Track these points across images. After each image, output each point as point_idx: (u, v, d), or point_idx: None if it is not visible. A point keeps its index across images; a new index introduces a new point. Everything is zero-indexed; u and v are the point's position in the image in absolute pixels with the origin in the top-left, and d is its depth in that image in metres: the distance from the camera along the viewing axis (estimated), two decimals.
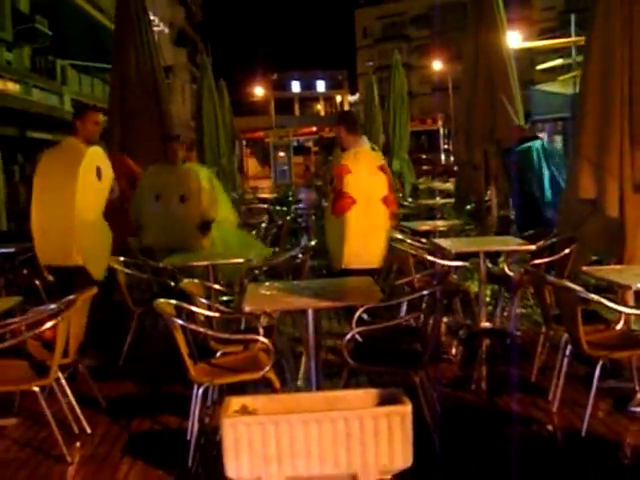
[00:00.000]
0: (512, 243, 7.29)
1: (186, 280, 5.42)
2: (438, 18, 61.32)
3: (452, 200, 11.88)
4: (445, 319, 6.68)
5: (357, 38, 76.49)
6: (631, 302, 5.43)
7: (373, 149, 7.32)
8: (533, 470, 4.28)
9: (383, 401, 3.50)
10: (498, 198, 10.04)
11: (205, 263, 6.63)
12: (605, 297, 4.63)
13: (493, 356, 6.38)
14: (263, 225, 10.46)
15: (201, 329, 4.72)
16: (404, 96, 17.82)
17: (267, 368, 4.42)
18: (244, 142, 42.21)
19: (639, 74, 5.87)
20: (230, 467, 3.28)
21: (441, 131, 40.50)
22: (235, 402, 3.51)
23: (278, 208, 14.82)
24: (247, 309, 4.45)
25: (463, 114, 9.95)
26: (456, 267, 6.99)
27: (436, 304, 4.73)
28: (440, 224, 9.53)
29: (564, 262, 6.24)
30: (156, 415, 5.26)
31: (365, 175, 6.67)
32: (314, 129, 46.68)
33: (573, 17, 21.86)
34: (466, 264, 7.22)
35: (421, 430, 3.90)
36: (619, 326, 5.09)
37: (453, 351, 6.59)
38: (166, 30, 40.19)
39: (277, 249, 8.65)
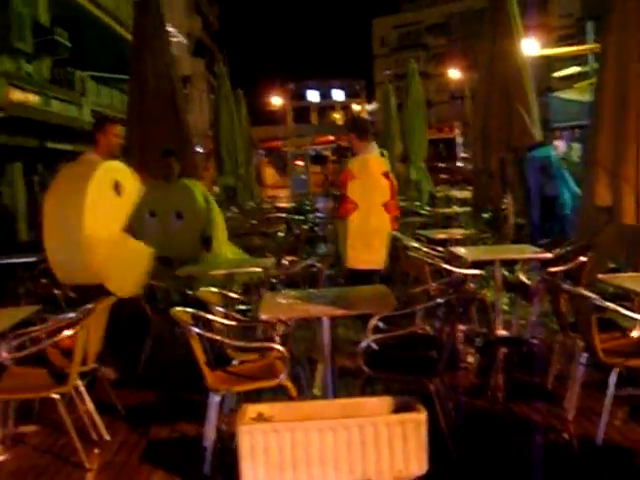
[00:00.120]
0: (528, 251, 7.27)
1: (203, 288, 5.46)
2: (456, 26, 61.38)
3: (469, 208, 11.86)
4: (461, 327, 6.67)
5: (374, 47, 76.79)
6: None
7: (382, 154, 7.41)
8: (548, 478, 4.28)
9: (398, 409, 3.53)
10: (515, 206, 10.02)
11: (223, 272, 6.67)
12: (621, 305, 4.63)
13: (509, 364, 6.37)
14: (280, 234, 10.51)
15: (218, 337, 4.75)
16: (421, 104, 17.78)
17: (283, 376, 4.46)
18: (262, 151, 42.33)
19: None
20: (246, 474, 3.31)
21: (457, 139, 40.35)
22: (251, 410, 3.54)
23: (296, 217, 14.85)
24: (263, 317, 4.48)
25: (479, 122, 9.94)
26: (472, 275, 6.99)
27: (452, 312, 4.75)
28: (456, 232, 9.53)
29: (580, 270, 6.23)
30: (174, 422, 5.31)
31: (368, 181, 6.82)
32: (331, 138, 46.89)
33: (590, 24, 21.78)
34: (482, 272, 7.21)
35: (437, 437, 3.92)
36: (635, 334, 5.05)
37: (469, 359, 6.58)
38: (184, 41, 40.42)
39: (295, 258, 8.70)
